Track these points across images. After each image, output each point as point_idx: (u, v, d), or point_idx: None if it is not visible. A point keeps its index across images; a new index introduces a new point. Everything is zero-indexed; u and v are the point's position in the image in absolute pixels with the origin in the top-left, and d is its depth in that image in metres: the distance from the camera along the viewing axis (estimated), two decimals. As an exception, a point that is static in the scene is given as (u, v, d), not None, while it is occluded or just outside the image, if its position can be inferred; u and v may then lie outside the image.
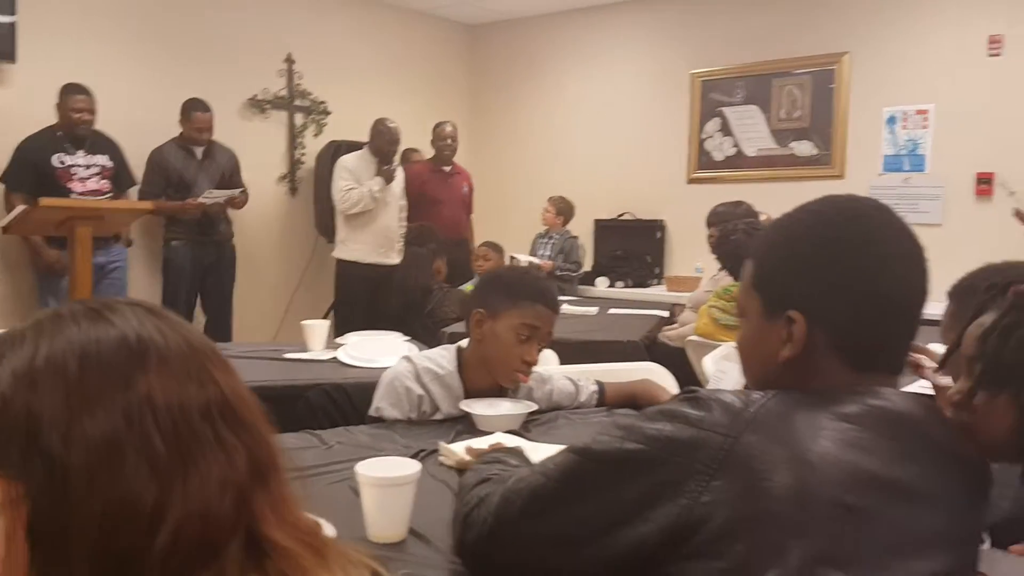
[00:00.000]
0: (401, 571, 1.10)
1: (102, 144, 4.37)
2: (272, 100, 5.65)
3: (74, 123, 4.17)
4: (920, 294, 1.00)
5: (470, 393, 1.88)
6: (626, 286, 5.86)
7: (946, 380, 1.62)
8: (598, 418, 1.93)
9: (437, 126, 5.62)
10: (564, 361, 2.61)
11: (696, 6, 5.97)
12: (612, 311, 4.49)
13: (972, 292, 1.57)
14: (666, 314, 4.38)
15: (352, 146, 5.34)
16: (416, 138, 5.82)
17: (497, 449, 1.35)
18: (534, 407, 1.86)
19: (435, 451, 1.58)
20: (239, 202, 4.86)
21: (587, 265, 6.06)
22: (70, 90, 4.19)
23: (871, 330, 0.98)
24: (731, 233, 3.52)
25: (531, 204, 6.13)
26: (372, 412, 1.86)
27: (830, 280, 0.98)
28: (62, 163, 4.19)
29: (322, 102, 5.89)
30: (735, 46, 5.80)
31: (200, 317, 4.92)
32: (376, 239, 5.03)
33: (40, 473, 0.54)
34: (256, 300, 5.41)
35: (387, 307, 4.86)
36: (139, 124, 4.72)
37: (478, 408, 1.79)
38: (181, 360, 0.60)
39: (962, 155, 4.95)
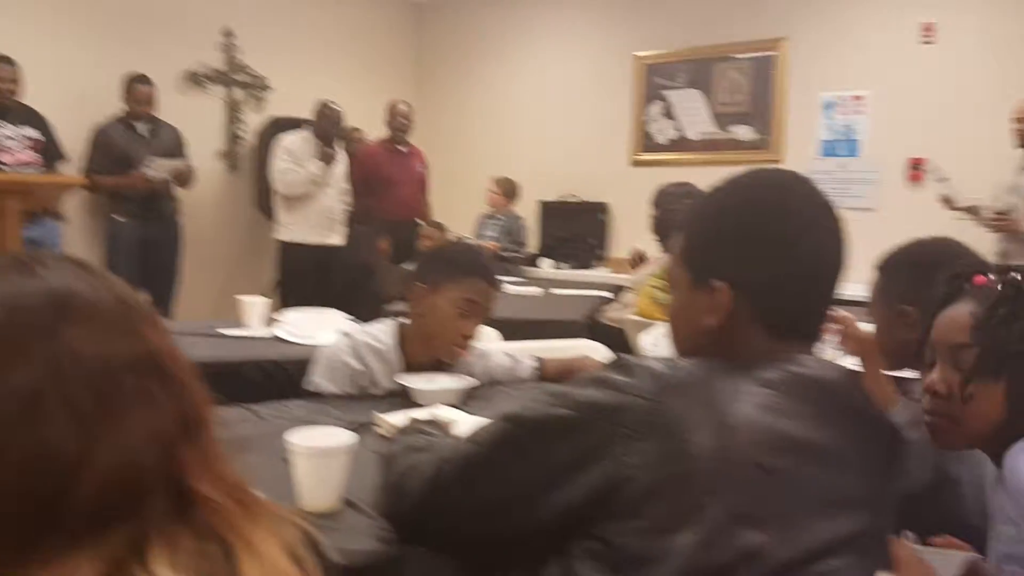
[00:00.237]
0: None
1: (30, 117, 4.25)
2: (210, 74, 5.51)
3: (-2, 93, 4.05)
4: (837, 265, 1.03)
5: (410, 368, 1.88)
6: (571, 268, 5.90)
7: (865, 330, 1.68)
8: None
9: (391, 104, 5.56)
10: (507, 339, 2.63)
11: (641, -11, 6.01)
12: (556, 291, 4.52)
13: (900, 267, 1.64)
14: (609, 295, 4.42)
15: (294, 123, 5.25)
16: (360, 116, 5.74)
17: (416, 420, 1.36)
18: (473, 381, 1.87)
19: (371, 423, 1.57)
20: (185, 178, 4.78)
21: (532, 246, 6.08)
22: (-8, 60, 4.06)
23: (791, 299, 1.01)
24: (672, 214, 3.56)
25: (476, 184, 6.12)
26: (307, 386, 1.85)
27: (752, 250, 1.01)
28: (-11, 135, 4.06)
29: (262, 77, 5.77)
30: (678, 30, 5.85)
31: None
32: (317, 220, 4.97)
33: None
34: (196, 278, 5.31)
35: (331, 287, 4.81)
36: (75, 99, 4.61)
37: (416, 382, 1.79)
38: (109, 314, 0.60)
39: (895, 141, 5.09)
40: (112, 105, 4.67)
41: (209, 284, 5.49)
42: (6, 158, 4.09)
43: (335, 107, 4.92)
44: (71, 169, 4.50)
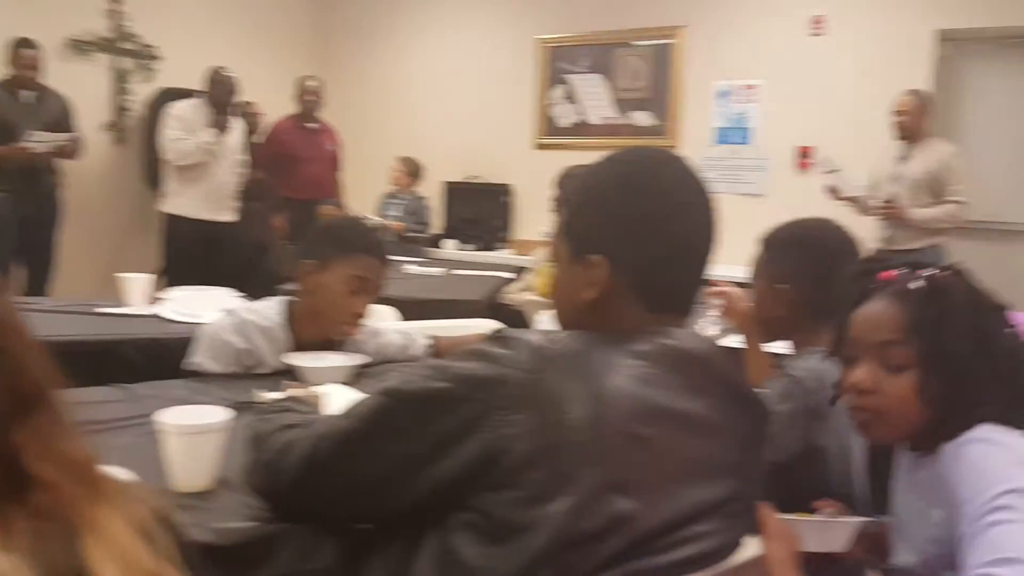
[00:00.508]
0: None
1: None
2: (95, 42, 5.23)
3: None
4: (709, 242, 1.07)
5: (300, 346, 1.84)
6: (476, 249, 5.90)
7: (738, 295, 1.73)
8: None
9: (299, 80, 5.42)
10: (408, 319, 2.62)
11: (544, -28, 6.03)
12: (458, 272, 4.51)
13: (779, 245, 1.70)
14: (512, 276, 4.45)
15: (185, 94, 5.02)
16: (260, 90, 5.57)
17: (287, 397, 1.34)
18: (363, 359, 1.84)
19: (253, 402, 1.53)
20: (70, 150, 4.52)
21: (437, 227, 6.05)
22: None
23: (665, 273, 1.04)
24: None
25: (379, 163, 6.04)
26: (188, 366, 1.79)
27: (628, 225, 1.03)
28: None
29: (151, 46, 5.51)
30: (580, 14, 5.90)
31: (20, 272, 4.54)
32: (208, 194, 4.75)
33: None
34: (80, 255, 5.05)
35: (222, 265, 4.65)
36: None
37: (304, 361, 1.76)
38: None
39: (785, 129, 5.29)
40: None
41: (94, 261, 5.24)
42: None
43: (228, 74, 4.72)
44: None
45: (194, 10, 5.81)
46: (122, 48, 5.40)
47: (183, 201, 4.73)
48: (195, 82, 4.90)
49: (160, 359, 1.92)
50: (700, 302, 1.12)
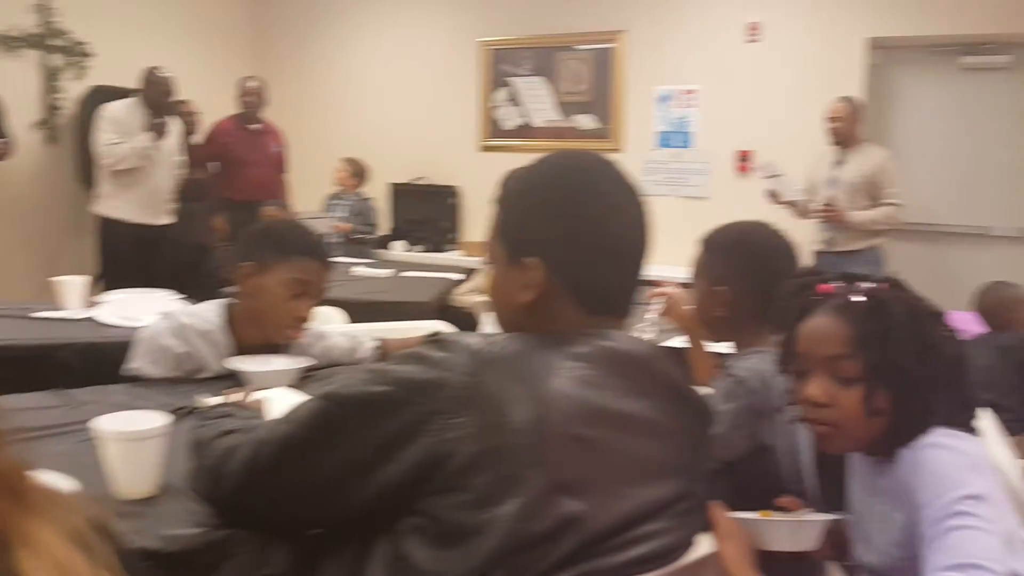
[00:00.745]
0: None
1: None
2: (24, 38, 5.05)
3: None
4: (643, 243, 1.09)
5: (242, 350, 1.80)
6: (424, 250, 5.88)
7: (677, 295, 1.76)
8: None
9: (240, 81, 5.31)
10: (355, 321, 2.60)
11: (486, -26, 6.04)
12: (406, 274, 4.49)
13: (717, 248, 1.72)
14: (461, 277, 4.44)
15: (119, 93, 4.88)
16: (198, 89, 5.45)
17: (228, 402, 1.32)
18: (308, 363, 1.82)
19: (195, 408, 1.50)
20: (1, 151, 4.35)
21: (384, 229, 6.01)
22: None
23: (601, 275, 1.05)
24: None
25: (323, 164, 5.96)
26: (126, 372, 1.74)
27: (564, 228, 1.04)
28: None
29: (83, 43, 5.34)
30: (522, 17, 5.93)
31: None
32: (144, 198, 4.61)
33: None
34: (12, 258, 4.88)
35: (160, 267, 4.53)
36: None
37: (248, 365, 1.72)
38: None
39: (724, 134, 5.39)
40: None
41: (27, 263, 5.06)
42: None
43: (164, 74, 4.59)
44: None
45: (127, 6, 5.66)
46: (52, 44, 5.22)
47: (119, 204, 4.59)
48: (130, 80, 4.76)
49: (99, 364, 1.86)
50: (638, 304, 1.13)
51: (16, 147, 4.53)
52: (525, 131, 6.00)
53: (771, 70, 5.23)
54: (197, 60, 5.90)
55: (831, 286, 1.22)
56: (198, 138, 5.27)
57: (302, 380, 1.77)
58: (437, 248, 5.96)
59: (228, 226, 4.79)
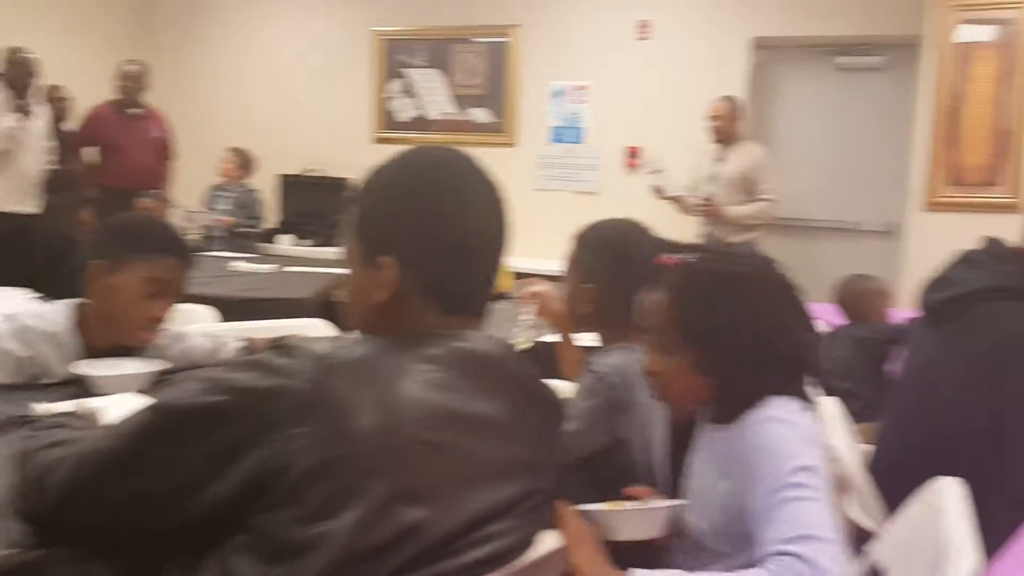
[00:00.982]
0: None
1: None
2: None
3: None
4: (501, 241, 1.08)
5: (93, 353, 1.70)
6: (313, 244, 5.74)
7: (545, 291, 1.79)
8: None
9: (118, 65, 5.08)
10: (229, 319, 2.53)
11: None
12: (290, 269, 4.38)
13: (587, 245, 1.75)
14: (349, 271, 4.34)
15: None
16: (74, 76, 5.18)
17: (62, 411, 1.25)
18: (162, 366, 1.74)
19: (27, 417, 1.41)
20: None
21: (271, 221, 5.84)
22: None
23: (457, 275, 1.03)
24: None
25: (208, 154, 5.74)
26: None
27: (418, 226, 1.02)
28: None
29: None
30: (417, 8, 5.87)
31: None
32: (11, 184, 4.37)
33: None
34: None
35: (25, 260, 4.27)
36: None
37: (94, 369, 1.64)
38: None
39: (615, 130, 5.48)
40: None
41: None
42: None
43: (26, 55, 4.36)
44: None
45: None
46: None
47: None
48: (-5, 63, 4.49)
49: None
50: (494, 302, 1.12)
51: None
52: (420, 123, 5.95)
53: (660, 68, 5.35)
54: (75, 45, 5.61)
55: (671, 259, 1.26)
56: (72, 125, 5.01)
57: (156, 384, 1.70)
58: (327, 242, 5.83)
59: (95, 218, 4.57)
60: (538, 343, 1.96)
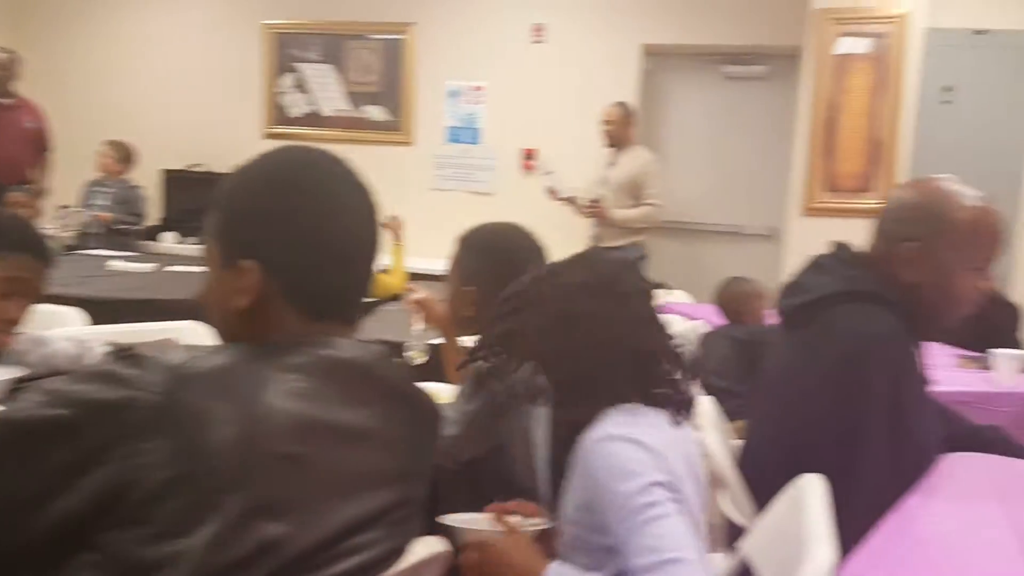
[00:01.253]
0: None
1: None
2: None
3: None
4: (371, 245, 1.04)
5: (-59, 359, 1.59)
6: (199, 243, 5.51)
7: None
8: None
9: None
10: (106, 321, 2.43)
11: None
12: (172, 268, 4.20)
13: (470, 247, 1.74)
14: (208, 275, 4.20)
15: None
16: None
17: None
18: (19, 372, 1.63)
19: None
20: None
21: (153, 218, 5.60)
22: None
23: (323, 279, 1.00)
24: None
25: (86, 147, 5.45)
26: None
27: (281, 228, 0.98)
28: None
29: None
30: (309, 2, 5.75)
31: None
32: None
33: None
34: None
35: None
36: None
37: (-60, 376, 1.52)
38: None
39: (510, 131, 5.51)
40: None
41: None
42: None
43: None
44: None
45: None
46: None
47: None
48: None
49: None
50: (375, 307, 1.10)
51: None
52: (313, 119, 5.83)
53: (555, 71, 5.41)
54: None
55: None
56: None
57: (13, 392, 1.59)
58: (216, 240, 5.63)
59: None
60: (431, 349, 1.95)
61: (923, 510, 1.24)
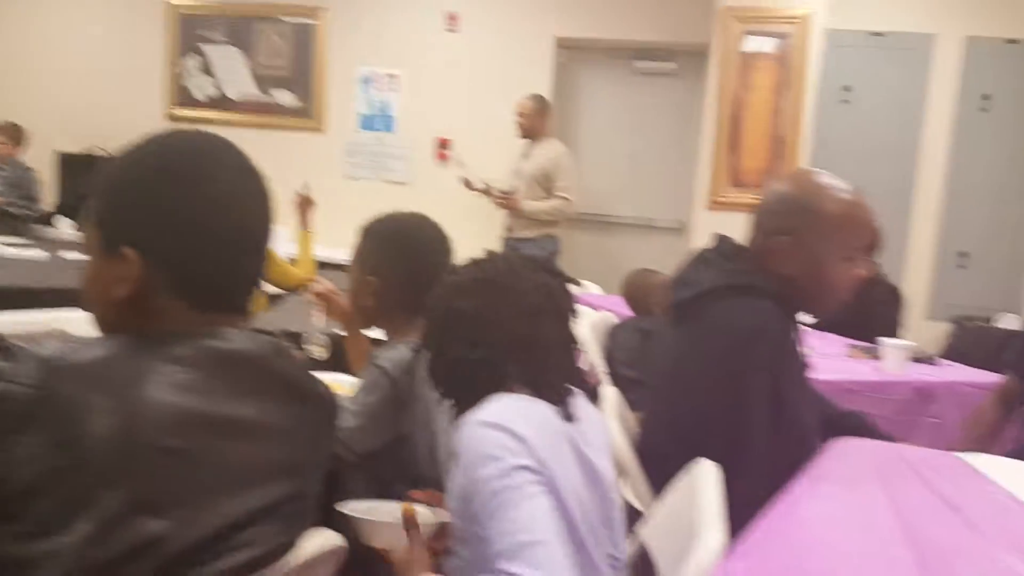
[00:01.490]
0: None
1: None
2: None
3: None
4: (261, 232, 1.02)
5: None
6: (79, 228, 5.30)
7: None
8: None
9: None
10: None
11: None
12: (67, 256, 4.02)
13: (373, 237, 1.71)
14: (88, 263, 4.05)
15: None
16: None
17: None
18: None
19: None
20: None
21: (49, 203, 5.34)
22: None
23: (209, 270, 0.97)
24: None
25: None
26: None
27: (164, 216, 0.95)
28: None
29: None
30: (216, -18, 5.58)
31: None
32: None
33: None
34: None
35: None
36: None
37: None
38: None
39: (425, 120, 5.47)
40: None
41: None
42: None
43: None
44: None
45: None
46: None
47: None
48: None
49: None
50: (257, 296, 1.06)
51: None
52: (219, 103, 5.66)
53: (469, 61, 5.39)
54: None
55: None
56: None
57: None
58: (113, 227, 5.41)
59: None
60: (335, 342, 1.92)
61: (809, 493, 1.29)
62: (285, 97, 5.61)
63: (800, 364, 1.59)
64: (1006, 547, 1.11)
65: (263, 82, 5.62)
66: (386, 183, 5.48)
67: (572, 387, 1.22)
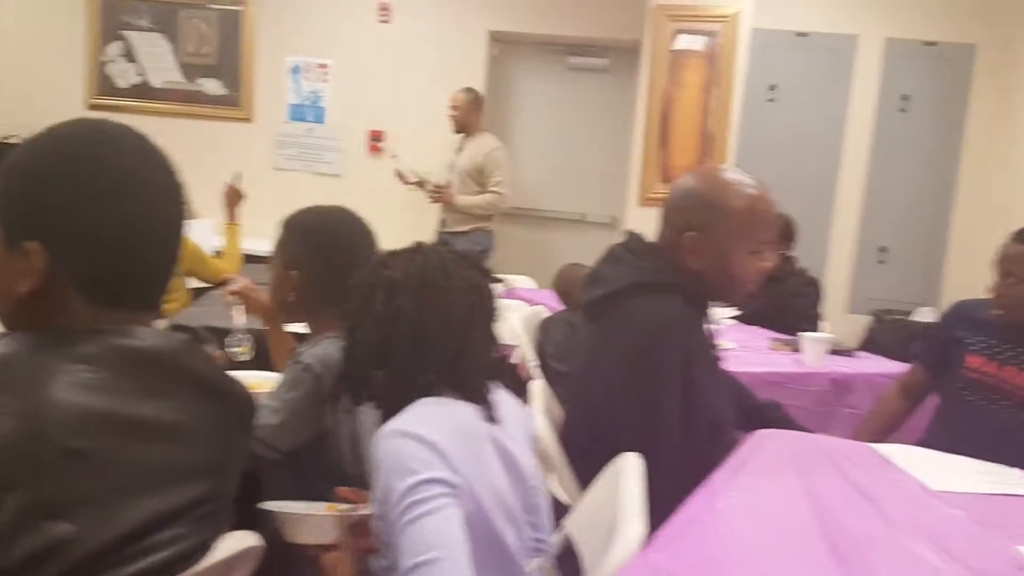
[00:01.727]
0: None
1: None
2: None
3: None
4: (168, 226, 0.99)
5: None
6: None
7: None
8: None
9: None
10: None
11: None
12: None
13: (294, 230, 1.68)
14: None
15: None
16: None
17: None
18: None
19: None
20: None
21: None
22: None
23: (118, 263, 0.94)
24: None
25: None
26: None
27: (70, 208, 0.92)
28: None
29: None
30: (139, -35, 5.40)
31: None
32: None
33: None
34: None
35: None
36: None
37: None
38: None
39: (358, 112, 5.39)
40: None
41: None
42: None
43: None
44: None
45: None
46: None
47: None
48: None
49: None
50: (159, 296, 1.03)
51: None
52: (143, 91, 5.48)
53: (402, 53, 5.33)
54: None
55: None
56: None
57: None
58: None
59: None
60: (258, 339, 1.88)
61: (728, 485, 1.31)
62: (212, 86, 5.47)
63: (712, 357, 1.63)
64: (916, 536, 1.16)
65: (189, 70, 5.47)
66: (317, 175, 5.39)
67: (494, 384, 1.22)
